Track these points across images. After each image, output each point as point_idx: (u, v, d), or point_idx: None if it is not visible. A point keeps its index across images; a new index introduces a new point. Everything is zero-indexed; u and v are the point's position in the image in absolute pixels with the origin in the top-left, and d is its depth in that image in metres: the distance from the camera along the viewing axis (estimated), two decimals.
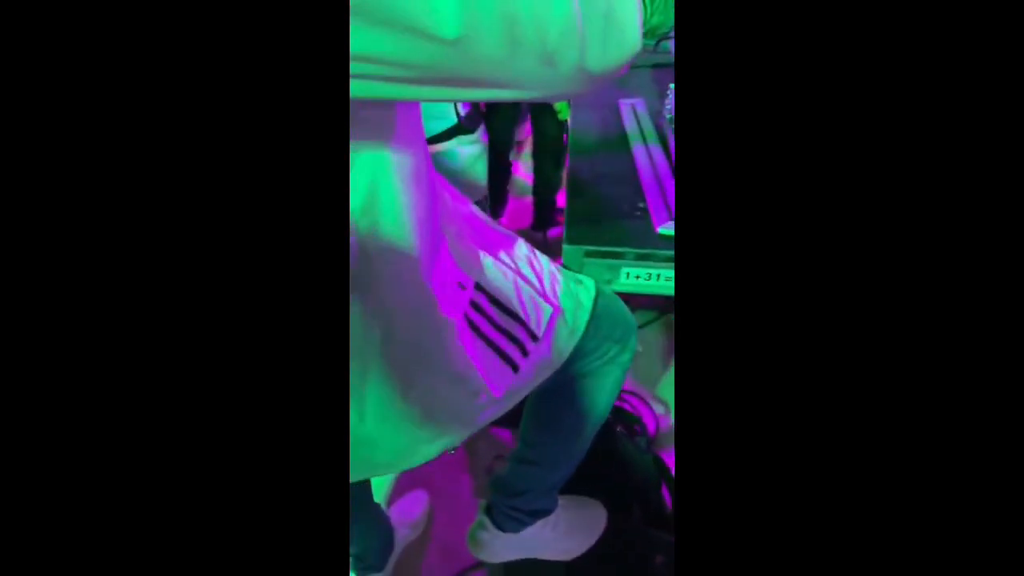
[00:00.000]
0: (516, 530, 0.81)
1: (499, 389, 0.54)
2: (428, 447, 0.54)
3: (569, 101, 1.06)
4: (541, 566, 0.84)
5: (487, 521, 0.81)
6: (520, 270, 0.56)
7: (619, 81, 1.05)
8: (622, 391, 1.08)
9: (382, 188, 0.37)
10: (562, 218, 1.00)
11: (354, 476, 0.51)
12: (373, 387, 0.47)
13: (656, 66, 1.08)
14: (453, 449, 0.56)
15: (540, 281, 0.57)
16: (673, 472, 0.95)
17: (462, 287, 0.50)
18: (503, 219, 1.60)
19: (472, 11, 0.26)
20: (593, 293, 0.62)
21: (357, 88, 0.27)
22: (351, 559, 0.88)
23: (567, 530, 0.87)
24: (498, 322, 0.53)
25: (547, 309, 0.56)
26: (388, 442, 0.51)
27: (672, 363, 1.17)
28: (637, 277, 0.69)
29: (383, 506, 0.85)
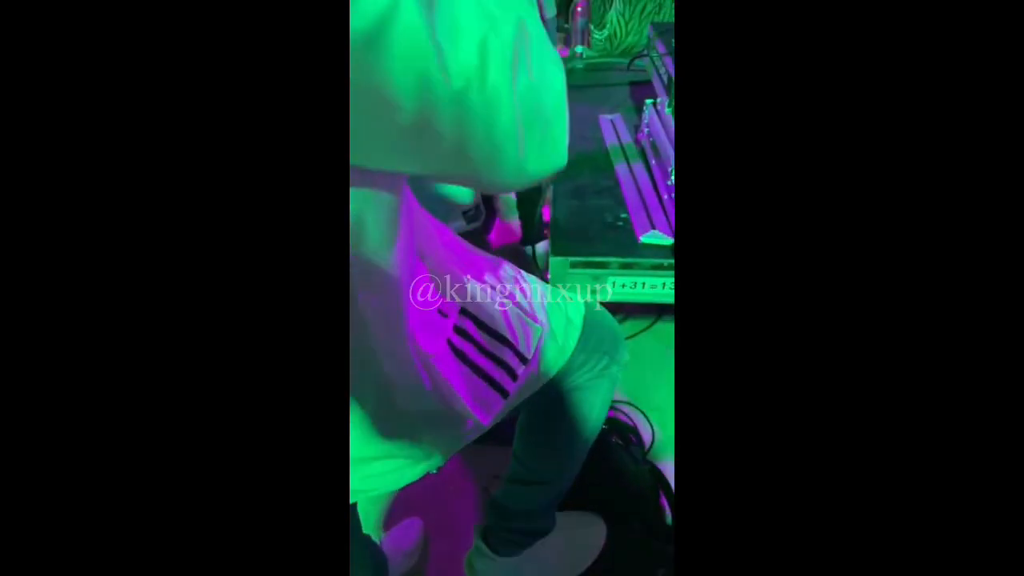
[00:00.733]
0: (514, 553, 0.79)
1: (487, 416, 0.53)
2: (411, 470, 0.53)
3: None
4: None
5: (483, 547, 0.79)
6: (506, 291, 0.55)
7: (599, 98, 1.08)
8: (615, 401, 1.08)
9: (367, 222, 0.38)
10: (547, 231, 1.01)
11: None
12: (353, 414, 0.46)
13: (633, 83, 1.11)
14: (437, 469, 0.56)
15: (528, 301, 0.57)
16: (672, 483, 0.94)
17: (443, 315, 0.50)
18: (491, 235, 1.61)
19: (427, 104, 0.29)
20: (583, 310, 0.62)
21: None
22: None
23: (566, 549, 0.85)
24: (485, 347, 0.52)
25: (536, 329, 0.56)
26: (367, 467, 0.51)
27: (664, 372, 1.17)
28: (623, 286, 0.70)
29: (373, 537, 0.83)
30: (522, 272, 0.60)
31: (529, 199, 1.55)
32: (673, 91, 0.83)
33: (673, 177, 0.75)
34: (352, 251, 0.39)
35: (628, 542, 0.86)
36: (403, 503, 1.01)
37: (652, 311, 1.29)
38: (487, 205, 1.53)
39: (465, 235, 0.61)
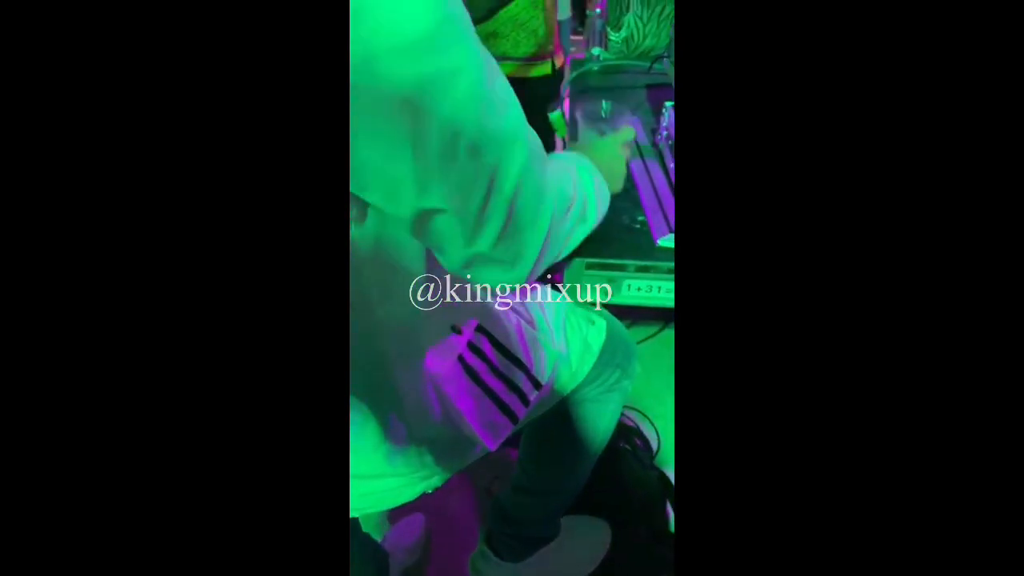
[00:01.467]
0: (517, 558, 0.79)
1: (495, 441, 0.52)
2: (410, 489, 0.52)
3: (566, 120, 1.07)
4: None
5: (487, 551, 0.78)
6: (526, 312, 0.54)
7: (617, 100, 1.07)
8: (624, 406, 1.07)
9: (387, 236, 0.38)
10: None
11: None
12: (355, 430, 0.45)
13: (650, 86, 1.10)
14: (433, 490, 0.55)
15: (548, 323, 0.56)
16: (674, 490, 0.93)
17: (457, 331, 0.49)
18: None
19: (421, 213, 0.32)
20: (604, 336, 0.61)
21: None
22: None
23: (570, 554, 0.85)
24: (499, 368, 0.50)
25: (552, 354, 0.55)
26: (368, 484, 0.50)
27: (671, 379, 1.16)
28: (639, 289, 0.69)
29: (375, 535, 0.82)
30: (547, 290, 0.59)
31: None
32: None
33: None
34: (386, 260, 0.39)
35: (633, 547, 0.86)
36: None
37: (660, 317, 1.28)
38: None
39: None
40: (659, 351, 1.24)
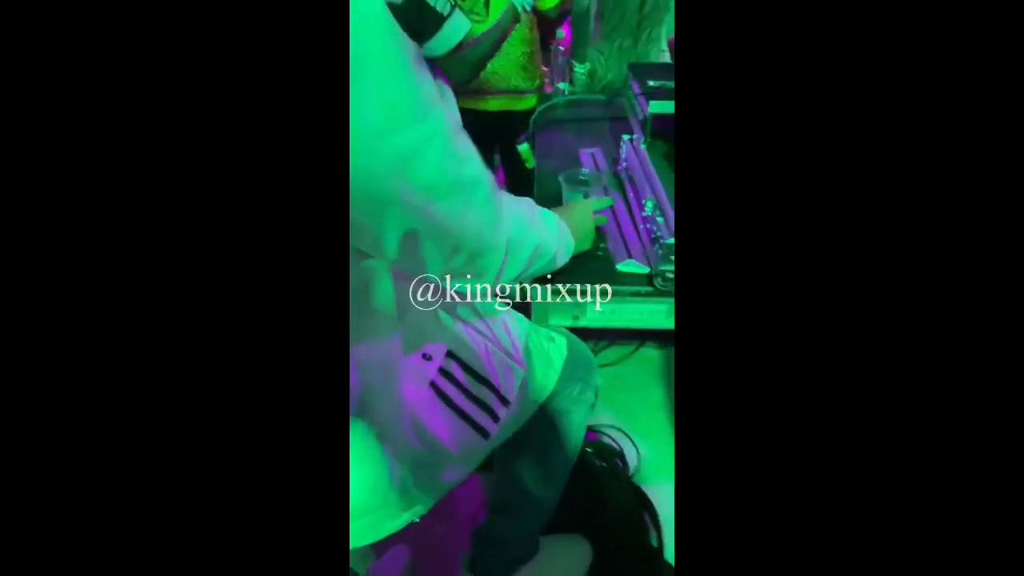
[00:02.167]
0: None
1: (469, 463, 0.56)
2: (393, 521, 0.54)
3: (533, 151, 1.12)
4: None
5: None
6: (491, 334, 0.58)
7: (579, 133, 1.13)
8: (600, 425, 1.09)
9: (380, 284, 0.44)
10: None
11: None
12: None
13: (612, 119, 1.16)
14: (419, 518, 0.56)
15: (513, 343, 0.59)
16: (656, 504, 0.95)
17: (427, 358, 0.52)
18: None
19: (406, 243, 0.38)
20: (565, 353, 0.64)
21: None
22: None
23: (552, 571, 0.86)
24: (469, 390, 0.53)
25: (518, 372, 0.58)
26: (354, 521, 0.50)
27: (648, 397, 1.20)
28: (603, 312, 0.72)
29: (359, 570, 0.82)
30: (511, 312, 0.62)
31: None
32: (649, 128, 0.88)
33: (648, 209, 0.79)
34: (363, 306, 0.43)
35: (613, 562, 0.87)
36: None
37: (636, 337, 1.32)
38: None
39: None
40: (635, 370, 1.28)
